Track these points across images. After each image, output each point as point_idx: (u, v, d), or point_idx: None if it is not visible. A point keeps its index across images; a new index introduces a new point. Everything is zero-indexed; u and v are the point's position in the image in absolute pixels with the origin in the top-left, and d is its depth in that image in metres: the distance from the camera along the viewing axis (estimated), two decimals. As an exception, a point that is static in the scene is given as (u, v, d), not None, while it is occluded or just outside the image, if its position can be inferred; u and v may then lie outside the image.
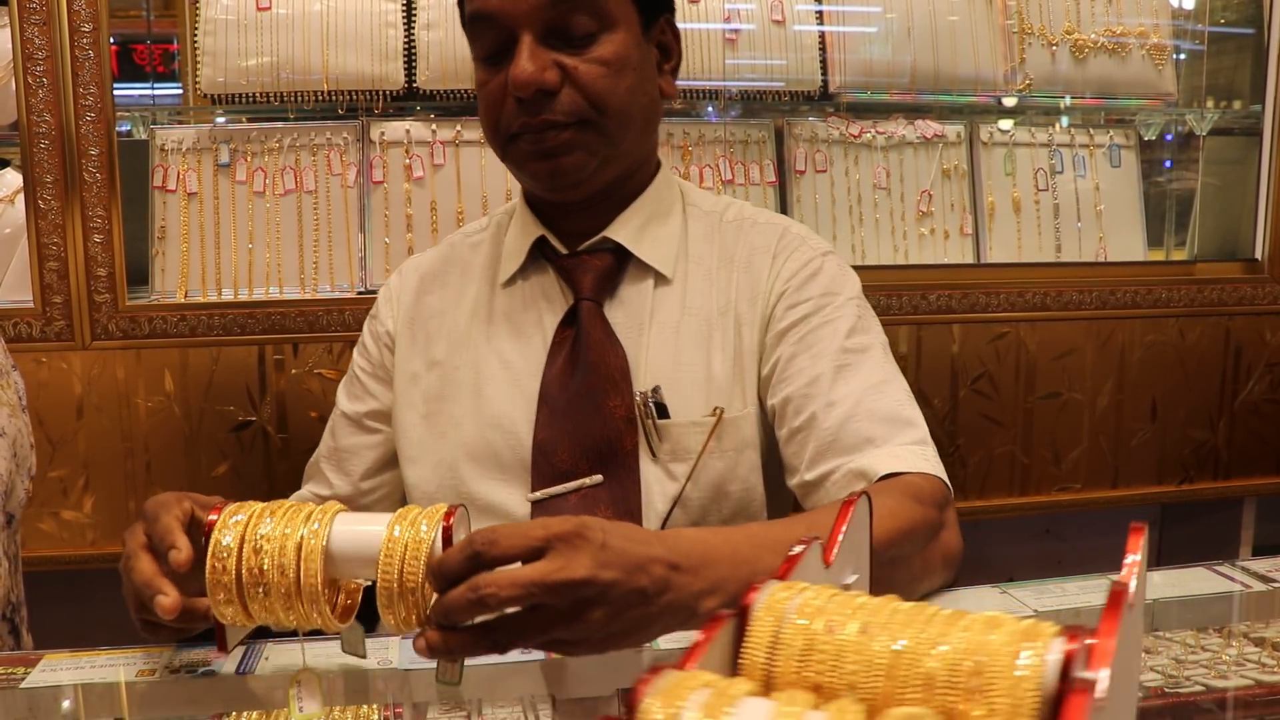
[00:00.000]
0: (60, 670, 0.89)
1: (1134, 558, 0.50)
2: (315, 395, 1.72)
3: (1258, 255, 1.99)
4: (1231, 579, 0.98)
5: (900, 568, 0.90)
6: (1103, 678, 0.41)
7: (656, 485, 1.11)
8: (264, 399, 1.72)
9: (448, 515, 0.76)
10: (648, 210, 1.16)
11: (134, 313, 1.69)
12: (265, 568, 0.74)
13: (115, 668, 0.89)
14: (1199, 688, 1.22)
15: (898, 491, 0.94)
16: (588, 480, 1.10)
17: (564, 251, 1.15)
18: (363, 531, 0.76)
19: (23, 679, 0.87)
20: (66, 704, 0.87)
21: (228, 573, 0.75)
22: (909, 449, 1.03)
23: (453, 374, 1.17)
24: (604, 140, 1.09)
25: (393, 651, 0.87)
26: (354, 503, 1.23)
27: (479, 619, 0.73)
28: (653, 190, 1.17)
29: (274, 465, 1.73)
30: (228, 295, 1.76)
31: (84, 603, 1.80)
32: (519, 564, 0.73)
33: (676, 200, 1.20)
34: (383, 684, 0.89)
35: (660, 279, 1.16)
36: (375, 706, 1.04)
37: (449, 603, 0.72)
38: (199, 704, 0.87)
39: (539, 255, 1.17)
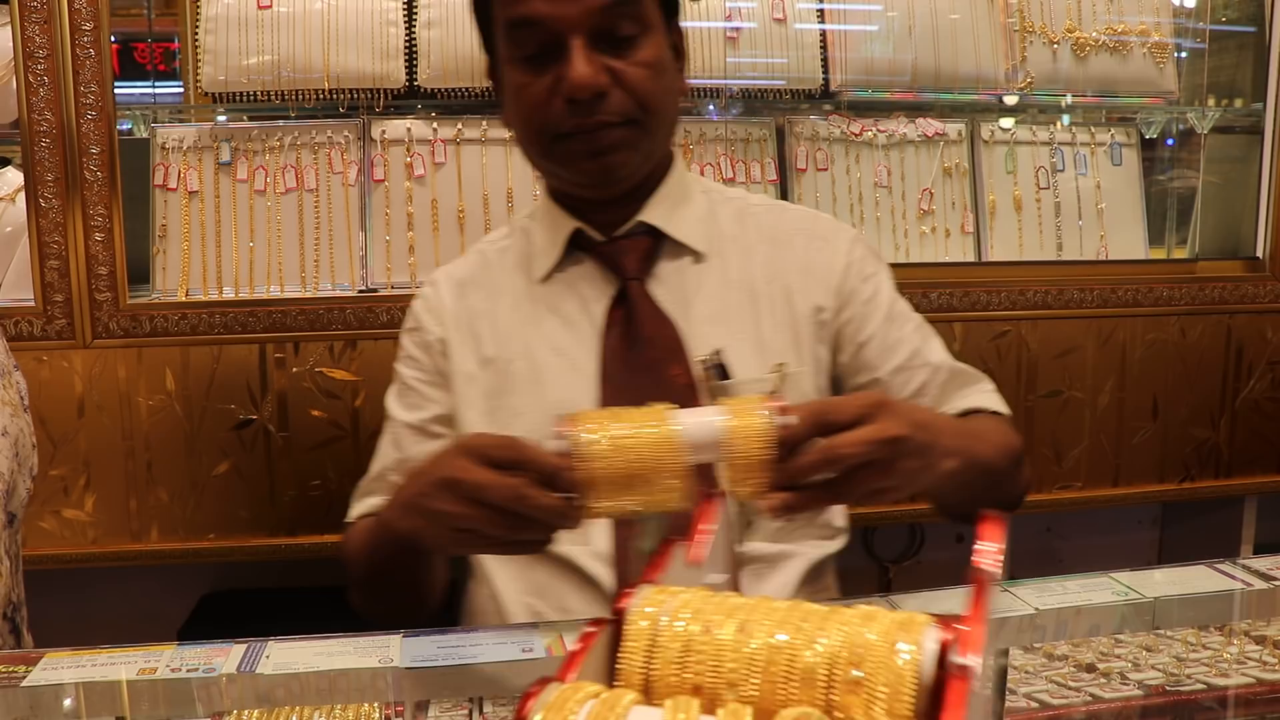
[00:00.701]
0: (61, 669, 0.89)
1: (989, 546, 0.52)
2: (316, 394, 1.72)
3: (1259, 253, 1.99)
4: (1233, 577, 0.98)
5: (1011, 477, 1.09)
6: (976, 664, 0.43)
7: None
8: (265, 397, 1.71)
9: (773, 400, 0.88)
10: (672, 195, 1.24)
11: (135, 311, 1.68)
12: (635, 460, 0.84)
13: (116, 666, 0.89)
14: (1200, 686, 1.22)
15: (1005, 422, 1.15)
16: None
17: (600, 239, 1.22)
18: (706, 422, 0.86)
19: (24, 677, 0.87)
20: (68, 703, 0.87)
21: (604, 467, 0.84)
22: (992, 395, 1.23)
23: (507, 368, 1.22)
24: (647, 138, 1.16)
25: (394, 650, 0.87)
26: None
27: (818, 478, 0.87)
28: (673, 177, 1.24)
29: (275, 464, 1.73)
30: (229, 294, 1.76)
31: (85, 601, 1.81)
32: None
33: (693, 185, 1.28)
34: (384, 682, 0.89)
35: (697, 256, 1.23)
36: (376, 705, 1.05)
37: (801, 464, 0.86)
38: (200, 703, 0.87)
39: (573, 247, 1.23)
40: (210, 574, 1.92)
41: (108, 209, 1.65)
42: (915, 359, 1.24)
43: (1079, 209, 2.00)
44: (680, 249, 1.23)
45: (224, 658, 0.88)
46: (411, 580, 1.15)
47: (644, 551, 0.92)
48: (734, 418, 0.86)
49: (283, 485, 1.73)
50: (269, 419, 1.72)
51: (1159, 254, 2.05)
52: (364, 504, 1.28)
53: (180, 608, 1.85)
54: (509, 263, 1.28)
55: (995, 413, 1.21)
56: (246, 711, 1.05)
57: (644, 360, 1.18)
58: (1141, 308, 1.67)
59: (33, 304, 1.67)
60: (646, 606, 0.49)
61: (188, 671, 0.87)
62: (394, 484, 1.08)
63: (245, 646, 0.90)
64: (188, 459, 1.72)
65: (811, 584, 1.21)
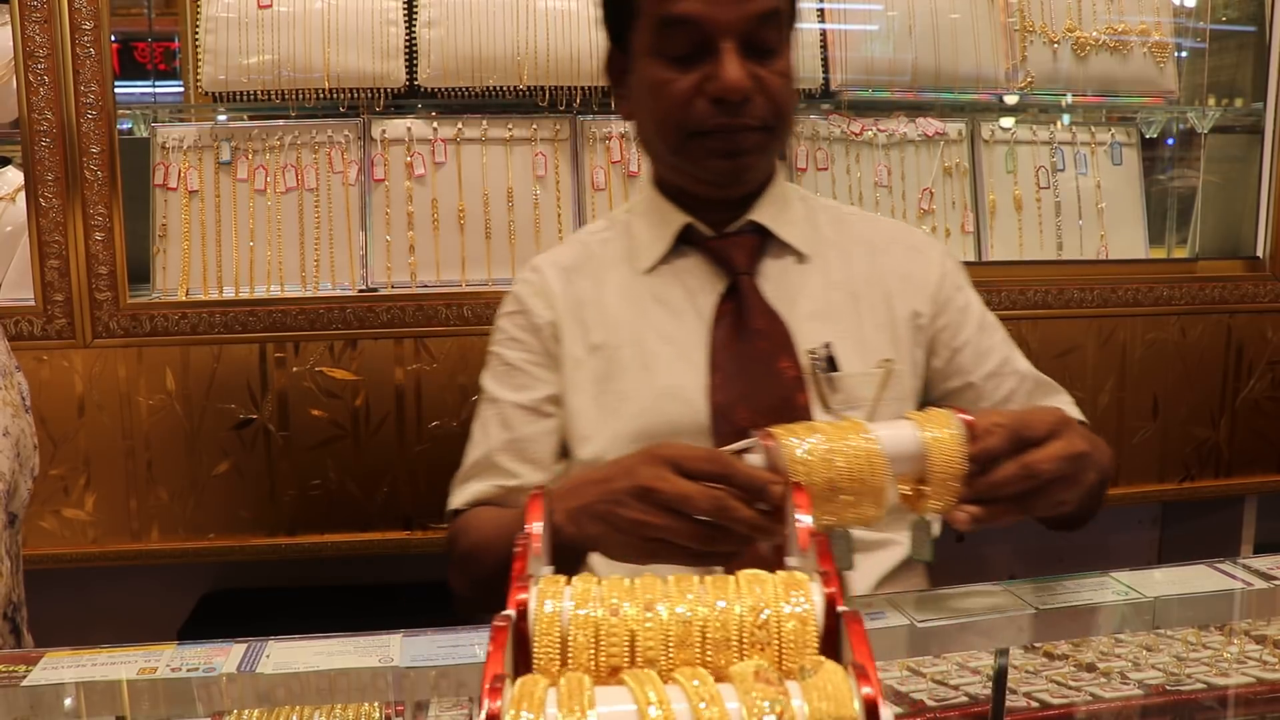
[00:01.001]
0: (61, 668, 0.88)
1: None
2: (316, 393, 1.72)
3: (1259, 253, 1.99)
4: (1233, 576, 0.97)
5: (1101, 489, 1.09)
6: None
7: None
8: (265, 397, 1.71)
9: (960, 411, 0.89)
10: (778, 199, 1.29)
11: (135, 311, 1.69)
12: (839, 474, 0.85)
13: (117, 666, 0.89)
14: (1201, 685, 1.22)
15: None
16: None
17: (710, 235, 1.27)
18: (902, 436, 0.88)
19: (24, 677, 0.87)
20: (68, 702, 0.87)
21: (814, 483, 0.84)
22: (1074, 406, 1.29)
23: (615, 354, 1.26)
24: (777, 143, 1.23)
25: (394, 649, 0.87)
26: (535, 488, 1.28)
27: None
28: (777, 182, 1.30)
29: (275, 463, 1.73)
30: (229, 293, 1.76)
31: (85, 600, 1.81)
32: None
33: (792, 192, 1.33)
34: (384, 682, 0.89)
35: (800, 257, 1.28)
36: (377, 704, 1.05)
37: (1001, 479, 0.88)
38: (200, 702, 0.87)
39: (682, 242, 1.28)
40: (211, 573, 1.92)
41: (108, 208, 1.65)
42: (1005, 366, 1.30)
43: (1079, 208, 2.00)
44: (785, 249, 1.28)
45: (224, 657, 0.88)
46: None
47: (917, 558, 0.98)
48: (928, 430, 0.87)
49: (283, 485, 1.73)
50: (269, 418, 1.72)
51: (1159, 253, 2.05)
52: (469, 490, 1.30)
53: (180, 607, 1.85)
54: (612, 253, 1.31)
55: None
56: (247, 711, 1.05)
57: (754, 351, 1.22)
58: (1142, 307, 1.67)
59: (33, 303, 1.67)
60: (545, 599, 0.50)
61: (188, 671, 0.87)
62: (559, 489, 1.05)
63: (245, 646, 0.90)
64: (188, 458, 1.72)
65: (905, 571, 1.25)
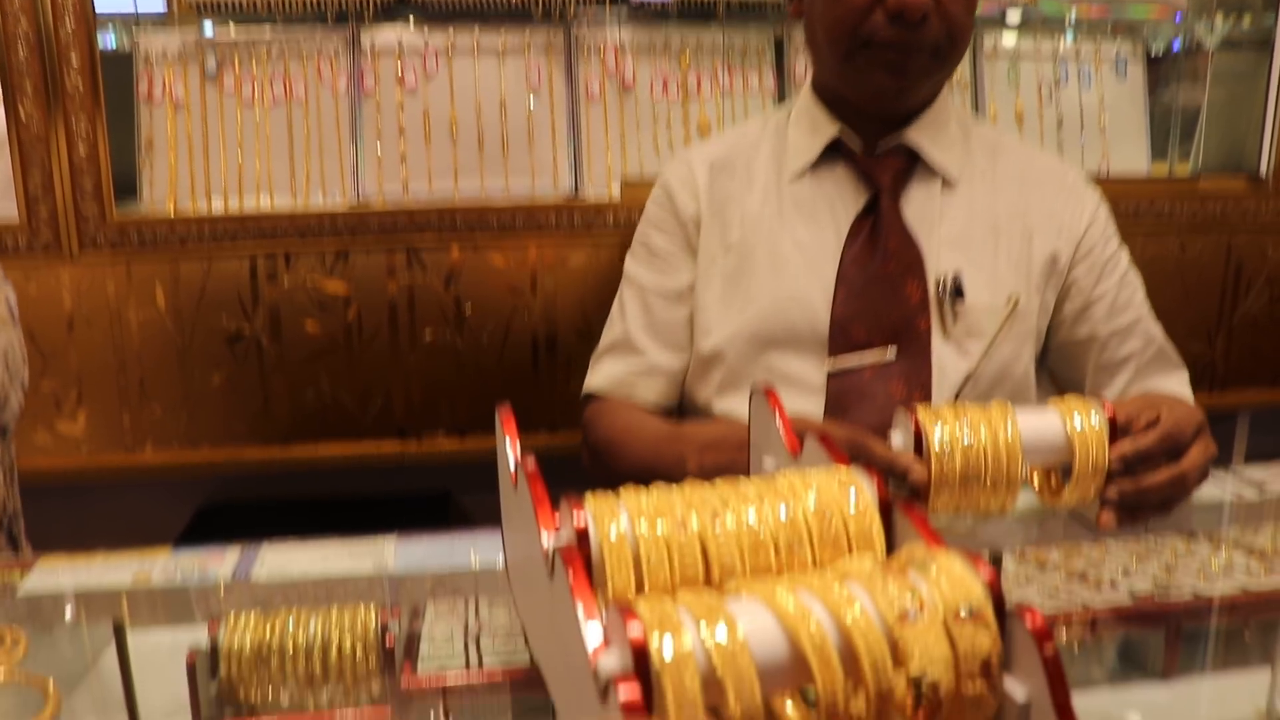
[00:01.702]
0: (57, 574, 0.89)
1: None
2: (309, 306, 1.71)
3: (1262, 170, 1.97)
4: (1225, 485, 0.98)
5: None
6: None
7: (949, 363, 1.23)
8: (256, 310, 1.70)
9: (1105, 405, 0.89)
10: (936, 120, 1.29)
11: (123, 224, 1.66)
12: (976, 466, 0.85)
13: (111, 572, 0.90)
14: (1188, 593, 1.24)
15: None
16: (883, 355, 1.22)
17: (860, 150, 1.28)
18: (1046, 427, 0.88)
19: (19, 583, 0.88)
20: (63, 607, 0.88)
21: (949, 471, 0.85)
22: (1188, 385, 1.32)
23: (749, 255, 1.28)
24: (945, 69, 1.23)
25: (388, 553, 0.87)
26: (673, 375, 1.33)
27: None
28: (939, 103, 1.29)
29: (268, 377, 1.73)
30: (218, 206, 1.73)
31: (81, 514, 1.82)
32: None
33: (952, 114, 1.32)
34: (380, 586, 0.89)
35: (947, 182, 1.29)
36: (373, 607, 1.06)
37: (1152, 485, 0.91)
38: (197, 607, 0.88)
39: (831, 152, 1.29)
40: (206, 487, 1.93)
41: (90, 120, 1.62)
42: (1136, 326, 1.31)
43: (1081, 123, 1.97)
44: (932, 173, 1.28)
45: (219, 563, 0.89)
46: None
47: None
48: (1074, 423, 0.87)
49: (276, 398, 1.73)
50: (261, 331, 1.71)
51: (1161, 170, 2.03)
52: (604, 371, 1.36)
53: (176, 520, 1.86)
54: (763, 155, 1.33)
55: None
56: (243, 616, 1.06)
57: (883, 271, 1.24)
58: (1142, 223, 1.66)
59: (16, 218, 1.65)
60: (607, 520, 0.49)
61: (183, 577, 0.88)
62: (702, 437, 1.13)
63: (240, 551, 0.91)
64: (180, 372, 1.72)
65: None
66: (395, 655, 1.02)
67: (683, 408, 1.37)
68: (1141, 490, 0.90)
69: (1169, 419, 0.91)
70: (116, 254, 1.67)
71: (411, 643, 1.11)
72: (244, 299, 1.70)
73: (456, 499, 1.88)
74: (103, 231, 1.66)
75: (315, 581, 0.86)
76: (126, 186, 1.72)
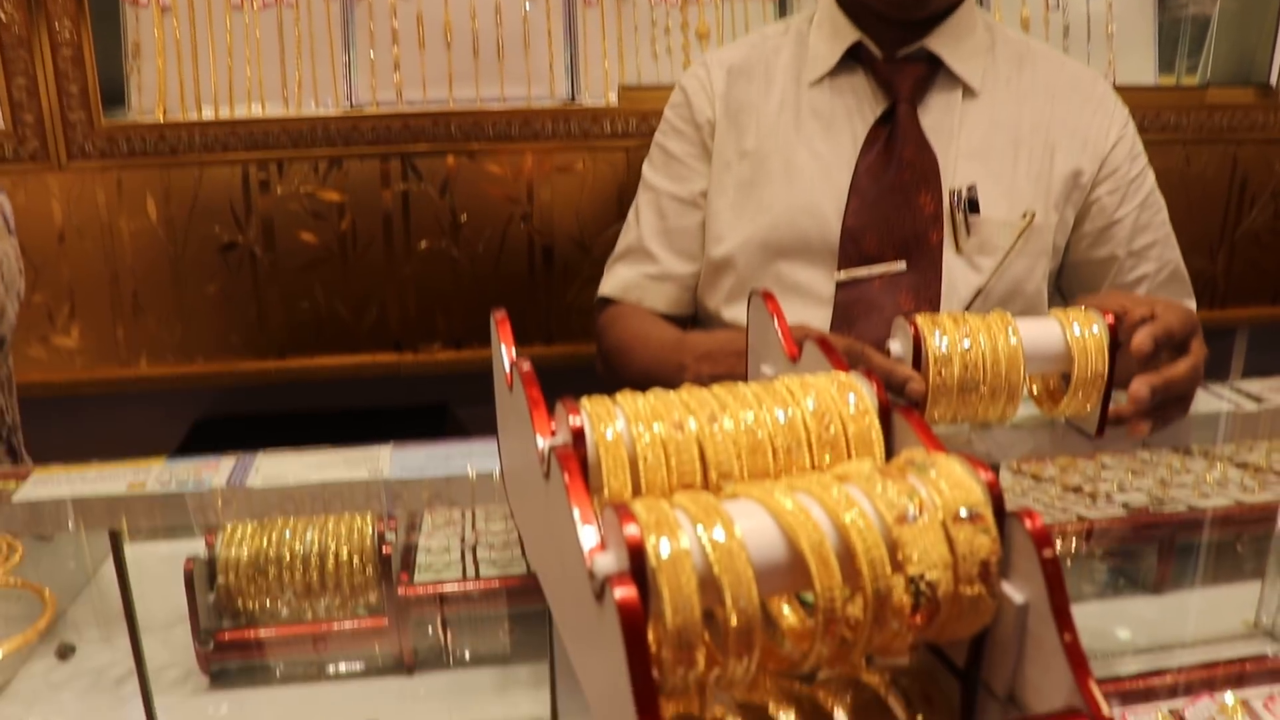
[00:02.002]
0: (51, 484, 0.89)
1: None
2: (302, 215, 1.69)
3: (1271, 81, 1.93)
4: (1221, 398, 0.98)
5: None
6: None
7: (960, 277, 1.22)
8: (250, 219, 1.68)
9: (1106, 314, 0.87)
10: (960, 26, 1.25)
11: (111, 132, 1.63)
12: (976, 374, 0.84)
13: (106, 481, 0.89)
14: (1182, 507, 1.25)
15: None
16: (893, 266, 1.21)
17: (879, 56, 1.25)
18: (1047, 336, 0.86)
19: (14, 492, 0.87)
20: (58, 515, 0.88)
21: (948, 380, 0.84)
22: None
23: (764, 162, 1.27)
24: None
25: (384, 461, 0.87)
26: (685, 282, 1.34)
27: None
28: (964, 9, 1.26)
29: (262, 288, 1.71)
30: (208, 114, 1.70)
31: (78, 428, 1.82)
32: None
33: (979, 20, 1.29)
34: (376, 494, 0.89)
35: (969, 91, 1.26)
36: (369, 518, 1.06)
37: (1176, 375, 0.89)
38: (194, 517, 0.88)
39: (850, 59, 1.27)
40: (203, 400, 1.93)
41: (74, 23, 1.58)
42: (1153, 249, 1.29)
43: (1088, 31, 1.93)
44: (954, 81, 1.26)
45: (213, 471, 0.89)
46: None
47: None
48: (1074, 332, 0.86)
49: (271, 308, 1.72)
50: (254, 241, 1.69)
51: (1169, 81, 1.99)
52: (618, 276, 1.36)
53: (174, 434, 1.87)
54: (783, 60, 1.31)
55: None
56: (240, 524, 1.07)
57: (897, 181, 1.22)
58: (1148, 134, 1.62)
59: (1, 124, 1.62)
60: (603, 422, 0.48)
61: (177, 486, 0.88)
62: (701, 347, 1.12)
63: (235, 460, 0.90)
64: (173, 284, 1.70)
65: None
66: (392, 565, 1.03)
67: (697, 315, 1.37)
68: (1168, 382, 0.88)
69: (1162, 321, 0.89)
70: (106, 163, 1.64)
71: (408, 553, 1.13)
72: (236, 208, 1.68)
73: (453, 411, 1.88)
74: (91, 140, 1.63)
75: (311, 492, 0.85)
76: (114, 94, 1.68)
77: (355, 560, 1.04)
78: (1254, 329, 2.10)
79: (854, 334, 1.16)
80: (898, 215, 1.22)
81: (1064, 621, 0.41)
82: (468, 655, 1.04)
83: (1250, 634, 1.07)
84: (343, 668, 1.04)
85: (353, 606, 1.05)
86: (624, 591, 0.37)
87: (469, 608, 1.03)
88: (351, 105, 1.72)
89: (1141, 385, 0.86)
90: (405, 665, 1.02)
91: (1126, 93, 1.80)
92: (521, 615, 1.03)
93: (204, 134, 1.65)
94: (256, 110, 1.71)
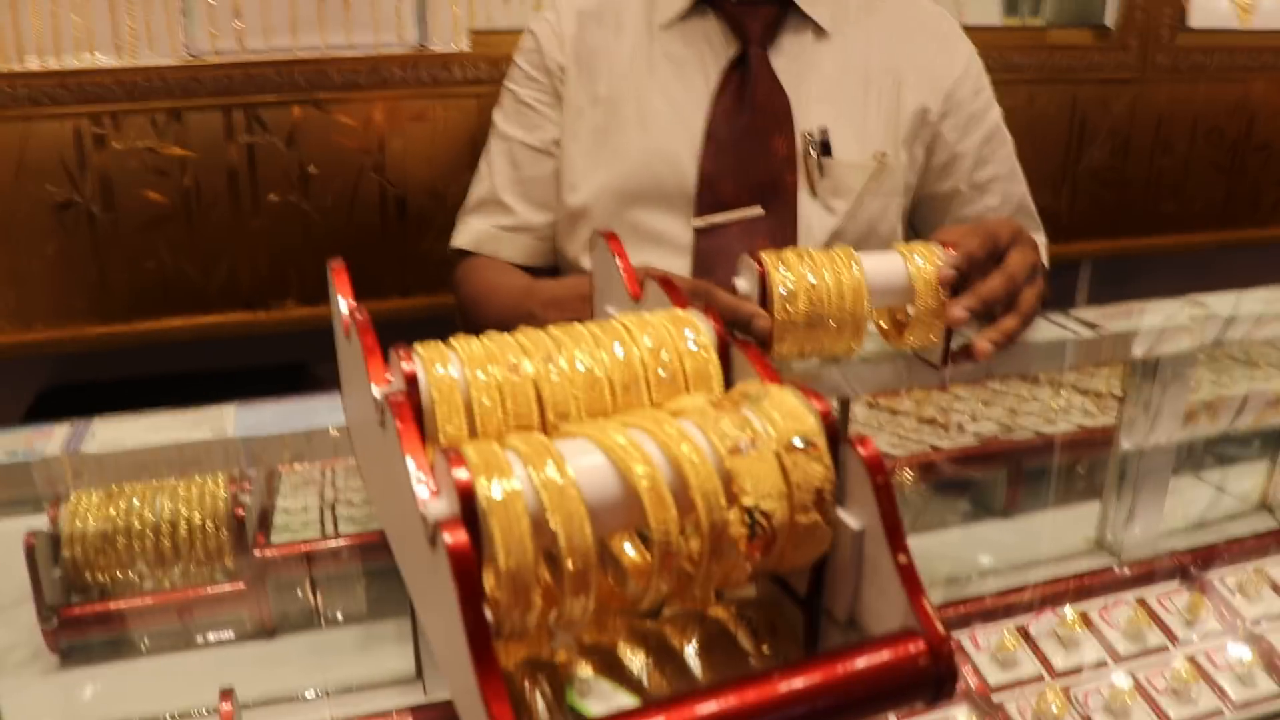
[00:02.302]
0: None
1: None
2: (142, 171, 1.61)
3: (1108, 22, 2.00)
4: (1065, 327, 1.02)
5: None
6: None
7: (815, 220, 1.23)
8: (85, 177, 1.59)
9: (945, 246, 0.88)
10: None
11: (-75, 84, 1.52)
12: (820, 308, 0.84)
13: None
14: (1030, 434, 1.30)
15: None
16: (749, 212, 1.22)
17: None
18: (889, 268, 0.87)
19: None
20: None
21: (794, 315, 0.84)
22: (1043, 250, 1.28)
23: (617, 109, 1.25)
24: None
25: (228, 421, 0.84)
26: (540, 233, 1.33)
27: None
28: None
29: (103, 249, 1.63)
30: (33, 64, 1.60)
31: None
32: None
33: None
34: (232, 460, 0.86)
35: (820, 33, 1.26)
36: (221, 480, 1.03)
37: (988, 289, 0.89)
38: (32, 487, 0.84)
39: (701, 1, 1.26)
40: (45, 368, 1.84)
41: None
42: (996, 183, 1.32)
43: (937, -26, 1.97)
44: (805, 22, 1.26)
45: (46, 439, 0.84)
46: None
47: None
48: (915, 263, 0.87)
49: (114, 270, 1.64)
50: (92, 200, 1.60)
51: (1013, 22, 2.04)
52: (472, 228, 1.34)
53: (15, 406, 1.77)
54: (633, 3, 1.29)
55: None
56: (84, 496, 1.02)
57: (751, 126, 1.22)
58: (994, 74, 1.66)
59: None
60: (435, 364, 0.47)
61: (6, 456, 0.83)
62: (548, 294, 1.09)
63: (70, 427, 0.86)
64: (5, 247, 1.60)
65: None
66: (246, 527, 1.00)
67: (558, 265, 1.36)
68: (981, 298, 0.88)
69: (967, 239, 0.90)
70: (-78, 117, 1.53)
71: (265, 514, 1.09)
72: (69, 165, 1.58)
73: (312, 369, 1.83)
74: (-98, 92, 1.51)
75: (161, 456, 0.81)
76: (-74, 43, 1.56)
77: (209, 525, 1.01)
78: (1096, 262, 2.19)
79: (714, 281, 1.17)
80: (752, 160, 1.22)
81: (897, 544, 0.42)
82: (329, 615, 1.02)
83: (1092, 550, 1.13)
84: (200, 636, 1.01)
85: (209, 573, 1.02)
86: (454, 536, 0.36)
87: (329, 567, 1.01)
88: (190, 55, 1.64)
89: (954, 307, 0.87)
90: (266, 629, 1.00)
91: (973, 33, 1.83)
92: (382, 571, 1.01)
93: (29, 86, 1.55)
94: (87, 60, 1.61)
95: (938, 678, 0.42)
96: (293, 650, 0.98)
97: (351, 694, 0.91)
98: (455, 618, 0.37)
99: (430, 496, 0.39)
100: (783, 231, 1.23)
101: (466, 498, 0.38)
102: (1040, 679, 0.90)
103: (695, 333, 0.49)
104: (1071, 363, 1.06)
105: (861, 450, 0.42)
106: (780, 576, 0.49)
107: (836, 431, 0.43)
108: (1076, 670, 0.91)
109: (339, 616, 1.02)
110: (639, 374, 0.47)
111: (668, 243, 1.24)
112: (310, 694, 0.91)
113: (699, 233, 1.23)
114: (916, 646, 0.41)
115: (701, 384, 0.48)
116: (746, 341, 0.49)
